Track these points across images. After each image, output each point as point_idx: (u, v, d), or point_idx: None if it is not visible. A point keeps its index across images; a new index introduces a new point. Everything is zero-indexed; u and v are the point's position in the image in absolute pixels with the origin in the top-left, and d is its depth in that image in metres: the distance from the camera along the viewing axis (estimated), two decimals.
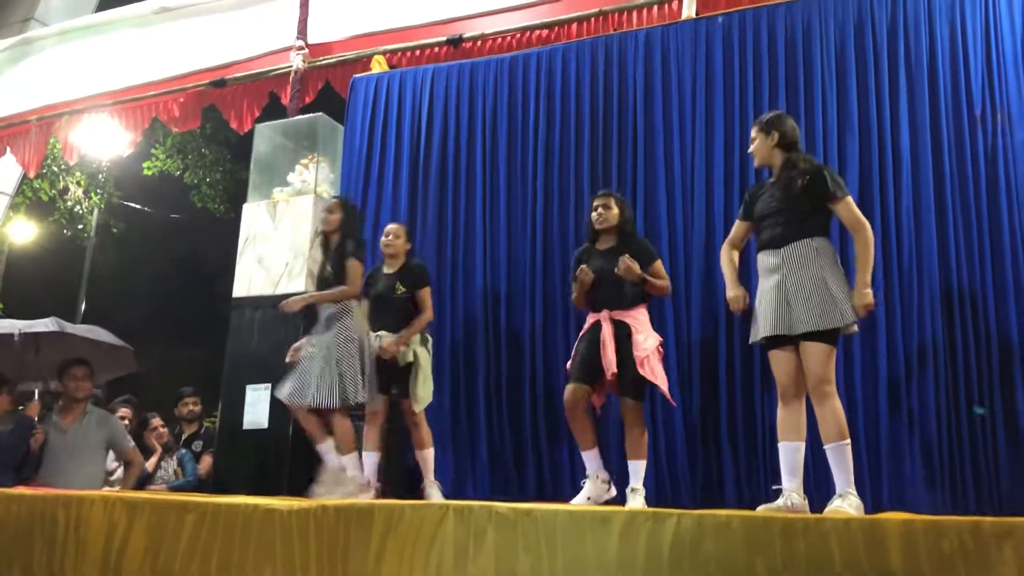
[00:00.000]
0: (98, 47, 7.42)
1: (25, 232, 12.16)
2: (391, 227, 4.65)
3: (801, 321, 3.21)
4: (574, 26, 5.65)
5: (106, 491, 3.32)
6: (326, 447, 4.26)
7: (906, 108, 4.40)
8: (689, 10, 5.13)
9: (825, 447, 3.13)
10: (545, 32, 5.70)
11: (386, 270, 4.56)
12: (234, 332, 5.50)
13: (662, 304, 4.54)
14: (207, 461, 5.63)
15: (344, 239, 4.41)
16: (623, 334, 3.88)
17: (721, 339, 4.46)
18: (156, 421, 5.57)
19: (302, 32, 6.29)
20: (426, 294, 4.48)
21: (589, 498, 3.75)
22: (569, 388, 3.92)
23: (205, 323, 9.84)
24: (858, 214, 3.37)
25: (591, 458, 3.91)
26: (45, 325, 5.85)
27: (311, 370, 4.19)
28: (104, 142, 7.61)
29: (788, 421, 3.25)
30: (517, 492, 4.64)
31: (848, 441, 3.12)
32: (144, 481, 5.12)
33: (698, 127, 4.78)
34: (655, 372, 3.83)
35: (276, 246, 5.53)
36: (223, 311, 5.79)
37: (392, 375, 4.37)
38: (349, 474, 4.13)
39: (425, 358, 4.43)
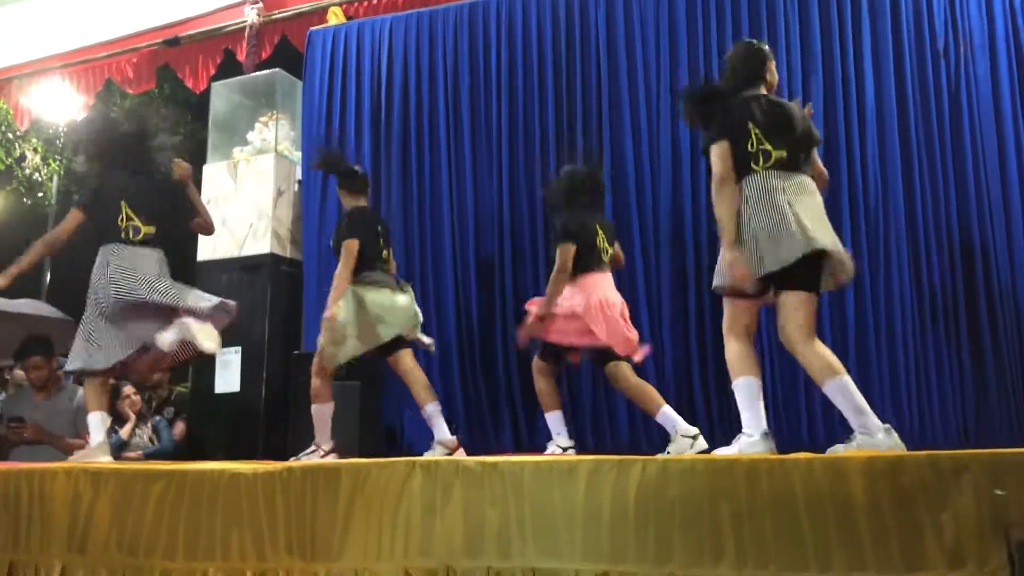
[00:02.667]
0: (47, 7, 7.16)
1: None
2: None
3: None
4: None
5: (72, 462, 3.27)
6: None
7: (869, 44, 4.39)
8: None
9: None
10: None
11: None
12: None
13: (631, 253, 4.53)
14: (181, 427, 5.59)
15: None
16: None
17: (691, 290, 4.47)
18: (128, 389, 5.48)
19: None
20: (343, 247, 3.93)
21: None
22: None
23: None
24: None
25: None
26: None
27: None
28: (57, 106, 7.41)
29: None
30: (494, 445, 4.66)
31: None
32: (119, 449, 5.07)
33: (663, 69, 4.73)
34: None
35: (239, 207, 5.43)
36: (189, 275, 5.71)
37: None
38: None
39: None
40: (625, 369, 3.69)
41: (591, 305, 3.61)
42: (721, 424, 4.24)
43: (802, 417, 4.17)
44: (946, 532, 1.77)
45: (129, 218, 3.64)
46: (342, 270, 3.82)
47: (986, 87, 4.22)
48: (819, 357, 2.70)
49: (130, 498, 2.38)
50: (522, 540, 2.08)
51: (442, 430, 3.84)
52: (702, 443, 3.45)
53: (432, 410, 3.84)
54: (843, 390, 2.61)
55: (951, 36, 4.33)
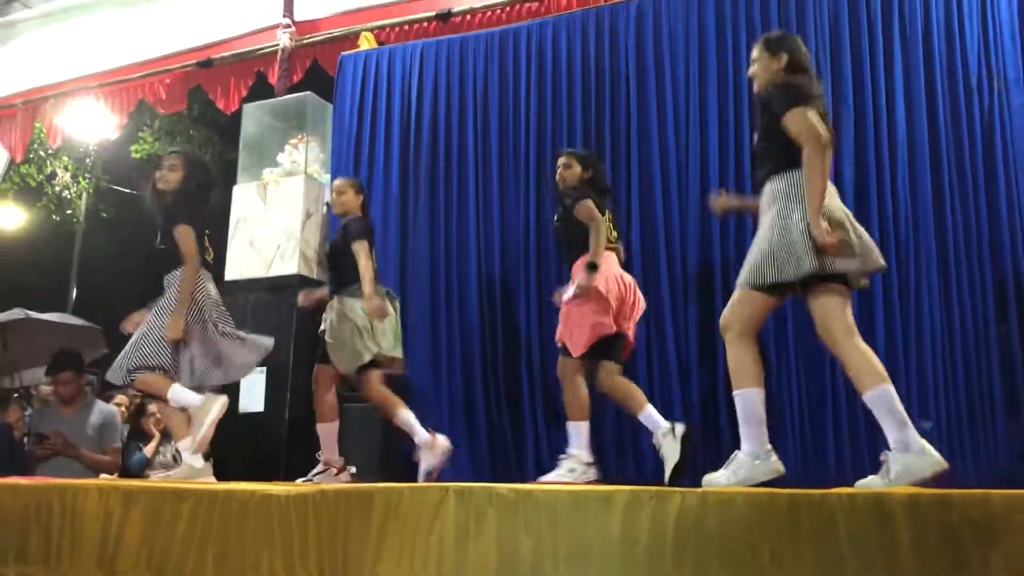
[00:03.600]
0: (82, 28, 7.29)
1: (14, 218, 12.04)
2: (336, 183, 4.48)
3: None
4: None
5: (104, 479, 3.30)
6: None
7: (901, 78, 4.37)
8: None
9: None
10: (535, 5, 5.62)
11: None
12: None
13: (658, 274, 4.52)
14: None
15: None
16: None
17: (719, 310, 4.42)
18: (152, 407, 5.51)
19: (288, 10, 6.20)
20: (357, 248, 4.09)
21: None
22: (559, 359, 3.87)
23: None
24: (808, 124, 2.70)
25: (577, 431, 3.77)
26: (8, 315, 5.76)
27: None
28: (90, 125, 7.52)
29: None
30: (517, 472, 4.62)
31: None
32: (144, 467, 5.09)
33: (691, 96, 4.74)
34: (568, 321, 3.74)
35: (267, 228, 5.47)
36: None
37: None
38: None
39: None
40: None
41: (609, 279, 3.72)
42: None
43: (828, 437, 4.11)
44: (995, 572, 1.73)
45: (206, 247, 3.86)
46: (369, 264, 4.03)
47: (1020, 121, 4.18)
48: (865, 359, 2.58)
49: (160, 516, 2.38)
50: (556, 570, 2.05)
51: (421, 434, 4.04)
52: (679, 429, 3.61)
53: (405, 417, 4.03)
54: (886, 399, 2.51)
55: (984, 69, 4.31)
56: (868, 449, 3.78)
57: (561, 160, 4.09)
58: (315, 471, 4.18)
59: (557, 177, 4.06)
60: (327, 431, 4.23)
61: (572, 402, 3.77)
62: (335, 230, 4.49)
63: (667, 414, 4.36)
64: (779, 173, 2.78)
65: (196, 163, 4.08)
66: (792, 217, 2.68)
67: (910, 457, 2.47)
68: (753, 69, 3.04)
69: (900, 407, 2.52)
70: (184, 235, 3.79)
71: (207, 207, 4.00)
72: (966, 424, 3.97)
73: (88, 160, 10.86)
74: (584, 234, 3.78)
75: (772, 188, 2.80)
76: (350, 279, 4.10)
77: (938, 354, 4.06)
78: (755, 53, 3.05)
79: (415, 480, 4.37)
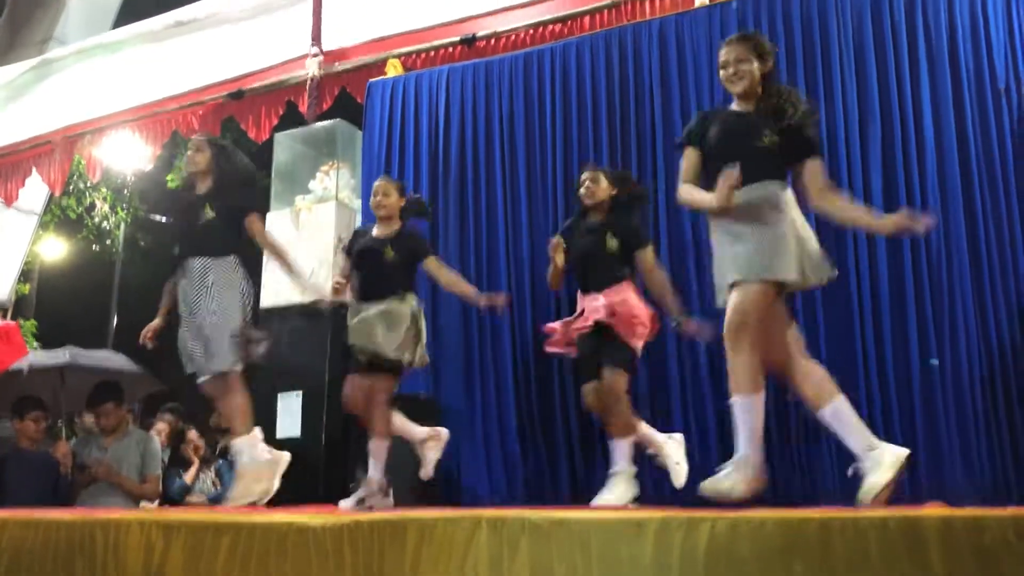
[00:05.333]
0: (117, 64, 7.48)
1: (55, 249, 12.34)
2: (378, 184, 4.30)
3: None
4: (587, 19, 5.59)
5: (145, 510, 3.36)
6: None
7: (927, 87, 4.33)
8: None
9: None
10: (558, 27, 5.66)
11: (376, 232, 4.24)
12: None
13: (688, 297, 4.50)
14: None
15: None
16: (608, 313, 3.77)
17: None
18: (192, 434, 5.64)
19: (316, 39, 6.31)
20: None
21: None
22: (584, 389, 3.87)
23: None
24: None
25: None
26: (56, 357, 5.90)
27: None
28: (126, 157, 7.69)
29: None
30: (551, 493, 4.63)
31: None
32: (183, 493, 5.18)
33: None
34: (632, 332, 3.77)
35: (300, 254, 5.50)
36: (252, 321, 5.83)
37: None
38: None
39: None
40: None
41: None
42: (783, 470, 4.18)
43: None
44: None
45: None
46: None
47: None
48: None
49: (200, 550, 2.42)
50: None
51: (419, 431, 4.12)
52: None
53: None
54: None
55: (1012, 75, 4.27)
56: None
57: (587, 175, 4.02)
58: (360, 494, 4.06)
59: (584, 190, 3.99)
60: (384, 449, 4.09)
61: (624, 417, 3.76)
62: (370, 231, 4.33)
63: (699, 422, 4.39)
64: (767, 180, 2.94)
65: (220, 143, 4.18)
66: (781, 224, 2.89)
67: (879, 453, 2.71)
68: (743, 68, 3.02)
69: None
70: (256, 224, 3.99)
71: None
72: (1007, 437, 3.91)
73: (125, 191, 11.11)
74: (608, 263, 3.85)
75: (761, 194, 2.92)
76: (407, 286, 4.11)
77: (974, 362, 4.01)
78: (739, 52, 3.04)
79: (453, 500, 4.42)
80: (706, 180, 3.05)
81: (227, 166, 4.03)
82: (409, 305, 4.05)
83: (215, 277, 3.82)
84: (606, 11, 5.54)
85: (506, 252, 5.15)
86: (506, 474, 4.86)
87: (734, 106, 3.13)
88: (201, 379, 3.85)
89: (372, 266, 4.12)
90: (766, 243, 2.84)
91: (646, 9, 5.42)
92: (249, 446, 3.80)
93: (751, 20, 4.73)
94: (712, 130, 3.06)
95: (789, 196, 2.98)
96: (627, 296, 3.83)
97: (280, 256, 4.19)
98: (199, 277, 3.84)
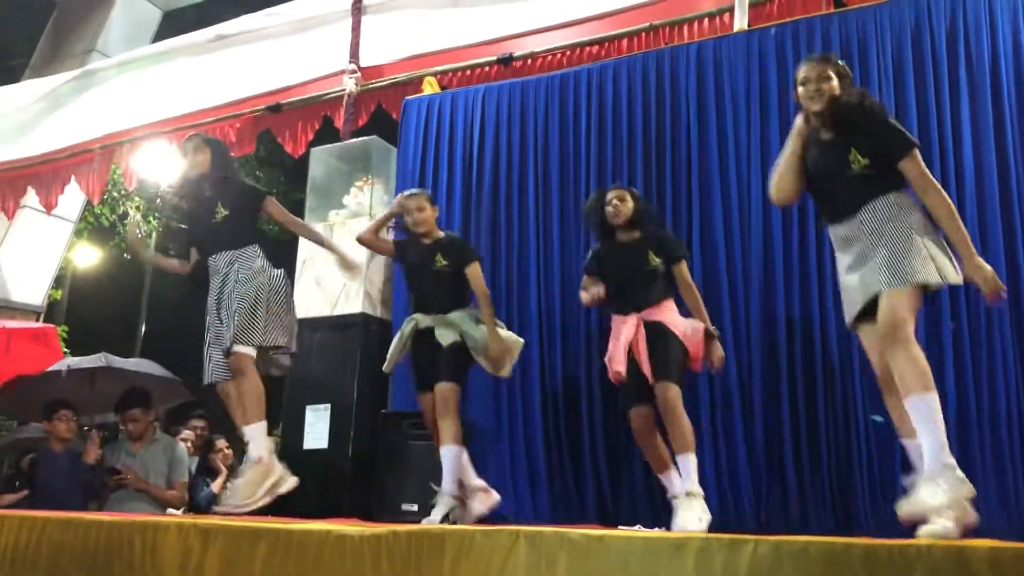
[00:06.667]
0: (157, 76, 7.61)
1: (87, 257, 12.50)
2: (413, 202, 4.27)
3: (876, 280, 2.83)
4: (624, 42, 5.63)
5: (177, 515, 3.39)
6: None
7: (968, 116, 4.29)
8: (741, 22, 5.07)
9: (905, 401, 2.72)
10: (595, 48, 5.69)
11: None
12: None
13: (721, 321, 4.49)
14: None
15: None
16: (655, 334, 3.71)
17: (782, 354, 4.40)
18: (221, 443, 5.66)
19: (354, 56, 6.39)
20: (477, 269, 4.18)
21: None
22: (633, 413, 3.76)
23: None
24: (925, 171, 2.95)
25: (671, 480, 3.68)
26: (93, 361, 5.98)
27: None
28: (163, 168, 7.80)
29: (895, 414, 2.91)
30: (578, 512, 4.61)
31: (934, 393, 2.68)
32: (211, 503, 5.20)
33: (753, 141, 4.72)
34: (696, 343, 3.72)
35: (333, 268, 5.53)
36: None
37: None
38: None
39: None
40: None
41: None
42: (813, 497, 4.14)
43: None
44: None
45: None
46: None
47: None
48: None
49: (237, 556, 2.44)
50: None
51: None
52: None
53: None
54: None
55: None
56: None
57: (614, 194, 3.98)
58: (444, 509, 3.92)
59: (611, 209, 3.95)
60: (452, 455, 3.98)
61: (688, 430, 3.63)
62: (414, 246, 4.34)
63: (729, 451, 4.35)
64: (885, 194, 2.92)
65: (215, 142, 4.27)
66: (911, 230, 2.84)
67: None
68: (824, 87, 3.03)
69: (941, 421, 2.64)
70: (276, 207, 4.14)
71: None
72: None
73: (158, 200, 11.25)
74: (651, 281, 3.83)
75: (884, 205, 2.91)
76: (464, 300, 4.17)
77: (1012, 397, 3.96)
78: (821, 71, 3.06)
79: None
80: (824, 214, 3.15)
81: (227, 162, 4.21)
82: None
83: (240, 265, 3.92)
84: (643, 34, 5.57)
85: (537, 271, 5.16)
86: (532, 494, 4.85)
87: (821, 135, 3.12)
88: (217, 379, 3.86)
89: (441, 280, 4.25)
90: (899, 251, 2.81)
91: (684, 33, 5.45)
92: (260, 433, 3.81)
93: (790, 45, 4.73)
94: (809, 162, 3.11)
95: (906, 201, 2.93)
96: (674, 319, 3.80)
97: (307, 232, 4.44)
98: (224, 270, 3.93)
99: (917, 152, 2.94)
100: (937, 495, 2.54)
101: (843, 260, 3.04)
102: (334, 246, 4.28)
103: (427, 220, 4.25)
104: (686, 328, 3.76)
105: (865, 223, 2.92)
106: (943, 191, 2.95)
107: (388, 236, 4.56)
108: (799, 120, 3.17)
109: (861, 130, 2.99)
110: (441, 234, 4.31)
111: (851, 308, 3.01)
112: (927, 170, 2.95)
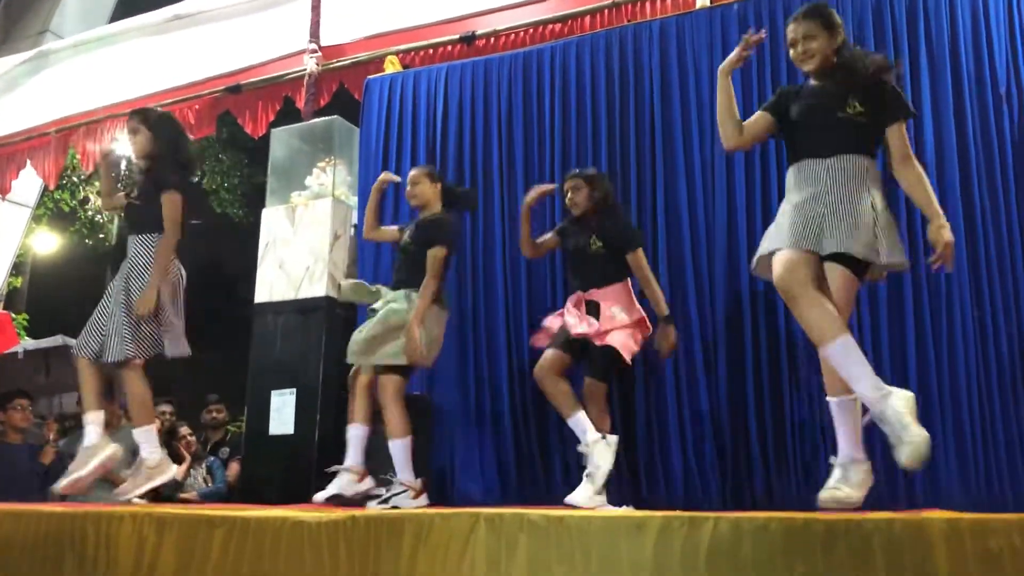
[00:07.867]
0: (113, 57, 7.44)
1: (48, 243, 12.25)
2: (411, 174, 4.39)
3: (833, 239, 2.73)
4: (587, 19, 5.58)
5: (136, 505, 3.33)
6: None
7: (928, 91, 4.31)
8: None
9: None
10: (558, 26, 5.65)
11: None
12: (257, 338, 5.49)
13: (686, 298, 4.50)
14: (235, 468, 5.64)
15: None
16: (592, 311, 3.88)
17: (747, 331, 4.41)
18: (184, 429, 5.60)
19: (315, 35, 6.27)
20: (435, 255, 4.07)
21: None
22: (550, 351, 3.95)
23: (228, 329, 9.92)
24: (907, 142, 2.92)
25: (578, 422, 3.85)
26: (50, 342, 5.89)
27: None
28: (121, 151, 7.63)
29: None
30: (544, 490, 4.60)
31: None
32: (174, 489, 5.13)
33: (716, 117, 4.69)
34: (620, 343, 3.82)
35: (296, 250, 5.51)
36: (246, 316, 5.80)
37: None
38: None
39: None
40: None
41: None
42: (778, 473, 4.17)
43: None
44: None
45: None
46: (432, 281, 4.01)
47: None
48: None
49: (193, 545, 2.39)
50: None
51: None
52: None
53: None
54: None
55: (1013, 80, 4.26)
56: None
57: (570, 184, 4.17)
58: (395, 492, 3.94)
59: (568, 201, 4.15)
60: (405, 447, 3.97)
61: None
62: (411, 220, 4.48)
63: (695, 422, 4.37)
64: (861, 154, 2.84)
65: (159, 119, 3.99)
66: (864, 200, 2.76)
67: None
68: (812, 46, 2.95)
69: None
70: (172, 202, 3.74)
71: (191, 166, 4.08)
72: (1002, 440, 3.89)
73: (119, 184, 11.04)
74: (617, 263, 3.97)
75: (843, 165, 2.82)
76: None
77: (971, 369, 3.99)
78: (806, 29, 2.97)
79: (447, 501, 4.38)
80: (793, 154, 3.01)
81: (167, 141, 3.96)
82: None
83: (140, 251, 3.82)
84: (606, 11, 5.53)
85: (503, 250, 5.12)
86: (500, 475, 4.83)
87: (813, 81, 3.04)
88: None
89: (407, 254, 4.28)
90: (841, 215, 2.74)
91: (647, 10, 5.42)
92: (150, 436, 3.79)
93: (752, 21, 4.69)
94: (793, 106, 2.99)
95: (874, 174, 2.87)
96: (614, 309, 3.90)
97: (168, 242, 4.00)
98: (131, 256, 3.86)
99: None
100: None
101: (792, 197, 2.92)
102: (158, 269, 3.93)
103: (417, 194, 4.29)
104: (616, 312, 3.88)
105: (834, 172, 2.81)
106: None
107: (393, 227, 4.62)
108: (723, 65, 3.19)
109: (863, 83, 2.89)
110: (431, 213, 4.30)
111: (769, 243, 2.91)
112: None
